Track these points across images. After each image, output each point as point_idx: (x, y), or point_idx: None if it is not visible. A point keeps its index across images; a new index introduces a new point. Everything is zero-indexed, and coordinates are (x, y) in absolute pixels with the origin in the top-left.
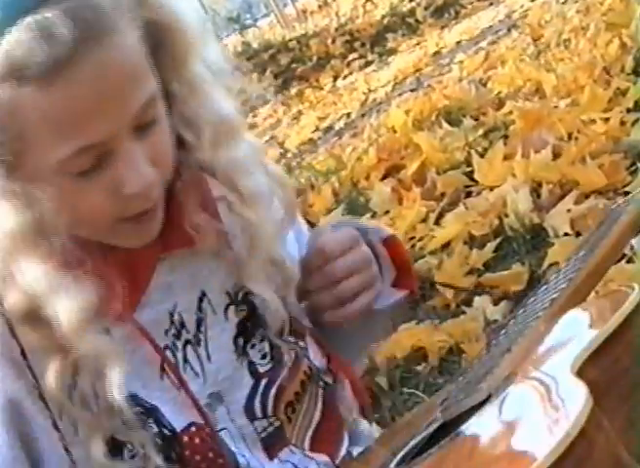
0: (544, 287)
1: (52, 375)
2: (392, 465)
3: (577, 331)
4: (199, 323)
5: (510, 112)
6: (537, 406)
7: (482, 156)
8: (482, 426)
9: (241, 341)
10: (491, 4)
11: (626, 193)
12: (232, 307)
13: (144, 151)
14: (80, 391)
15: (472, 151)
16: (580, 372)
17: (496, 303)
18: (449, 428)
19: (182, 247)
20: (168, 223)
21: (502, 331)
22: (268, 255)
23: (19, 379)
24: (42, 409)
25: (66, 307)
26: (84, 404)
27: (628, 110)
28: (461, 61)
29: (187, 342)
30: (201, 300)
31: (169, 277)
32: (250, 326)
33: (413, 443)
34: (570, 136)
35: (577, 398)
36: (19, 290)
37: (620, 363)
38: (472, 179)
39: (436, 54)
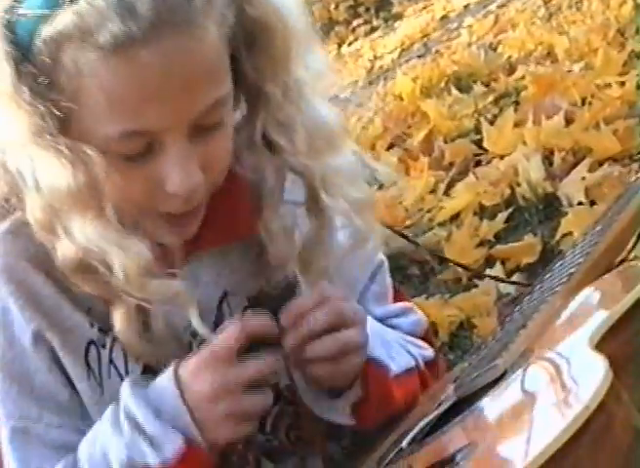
0: (560, 262)
1: (120, 319)
2: (404, 443)
3: (589, 310)
4: (216, 323)
5: (522, 77)
6: (547, 386)
7: (492, 123)
8: (498, 402)
9: None
10: None
11: None
12: (249, 311)
13: (198, 153)
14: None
15: (482, 118)
16: (599, 346)
17: (509, 275)
18: (462, 406)
19: (215, 245)
20: (205, 220)
21: (517, 307)
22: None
23: (34, 309)
24: (65, 341)
25: (125, 261)
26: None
27: None
28: (470, 26)
29: (202, 342)
30: (221, 301)
31: (196, 272)
32: None
33: (425, 421)
34: (583, 101)
35: (596, 371)
36: (71, 242)
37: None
38: (482, 148)
39: (444, 18)
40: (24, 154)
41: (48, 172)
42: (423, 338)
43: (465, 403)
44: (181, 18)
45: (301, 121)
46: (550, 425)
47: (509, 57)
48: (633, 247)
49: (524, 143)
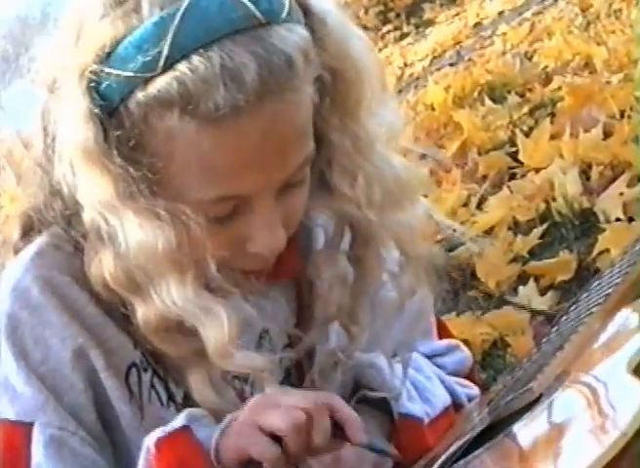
0: (598, 281)
1: (197, 381)
2: (435, 466)
3: (627, 334)
4: None
5: (558, 88)
6: (584, 411)
7: (527, 135)
8: (532, 428)
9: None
10: None
11: None
12: (288, 350)
13: (280, 211)
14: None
15: (517, 130)
16: (638, 371)
17: (542, 293)
18: (496, 429)
19: (263, 281)
20: None
21: (554, 328)
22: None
23: (77, 326)
24: (109, 362)
25: (213, 328)
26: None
27: None
28: (505, 33)
29: (244, 380)
30: (262, 337)
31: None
32: (297, 374)
33: (458, 444)
34: (622, 113)
35: (634, 396)
36: (158, 303)
37: None
38: (517, 160)
39: (477, 25)
40: (112, 214)
41: (140, 234)
42: (468, 377)
43: (499, 426)
44: (283, 84)
45: (369, 172)
46: (586, 452)
47: (545, 66)
48: None
49: (560, 156)
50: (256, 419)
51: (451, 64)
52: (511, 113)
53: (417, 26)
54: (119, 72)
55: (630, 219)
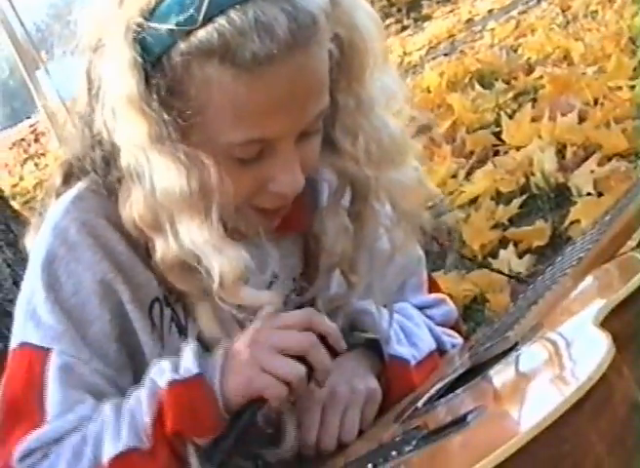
0: (571, 247)
1: (205, 316)
2: (420, 403)
3: (591, 295)
4: None
5: (540, 77)
6: (546, 363)
7: (511, 117)
8: (505, 374)
9: None
10: None
11: None
12: (293, 295)
13: (302, 153)
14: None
15: (502, 113)
16: (603, 325)
17: (520, 256)
18: (475, 372)
19: (274, 234)
20: None
21: (530, 286)
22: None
23: (108, 263)
24: (135, 296)
25: (224, 267)
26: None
27: None
28: (493, 29)
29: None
30: (271, 282)
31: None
32: None
33: (441, 384)
34: (595, 101)
35: (600, 346)
36: (175, 242)
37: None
38: (500, 139)
39: (469, 21)
40: (142, 155)
41: (164, 175)
42: (453, 327)
43: (478, 370)
44: (308, 36)
45: (369, 132)
46: (547, 399)
47: (529, 58)
48: None
49: (539, 137)
50: (262, 357)
51: (445, 54)
52: (497, 98)
53: (415, 20)
54: (162, 26)
55: (599, 194)
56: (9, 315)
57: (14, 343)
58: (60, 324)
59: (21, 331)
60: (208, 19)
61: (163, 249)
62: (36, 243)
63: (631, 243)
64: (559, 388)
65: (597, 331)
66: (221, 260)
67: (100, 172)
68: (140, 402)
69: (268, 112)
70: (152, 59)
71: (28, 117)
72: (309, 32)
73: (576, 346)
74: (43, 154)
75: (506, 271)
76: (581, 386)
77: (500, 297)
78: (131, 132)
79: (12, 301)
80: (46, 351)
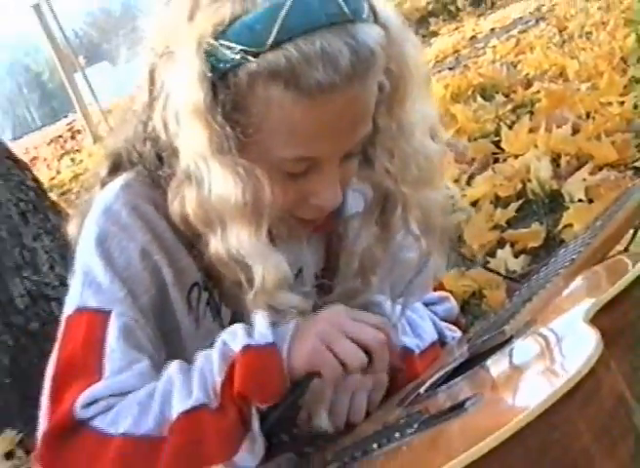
0: (564, 249)
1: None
2: (422, 389)
3: (580, 295)
4: None
5: (537, 92)
6: (537, 356)
7: (510, 128)
8: (501, 364)
9: None
10: None
11: (635, 168)
12: (315, 290)
13: (342, 173)
14: None
15: (501, 123)
16: (593, 322)
17: (516, 256)
18: (473, 362)
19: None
20: None
21: (525, 284)
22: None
23: (156, 245)
24: (178, 278)
25: (267, 275)
26: None
27: None
28: (495, 46)
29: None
30: (297, 275)
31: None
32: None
33: (442, 372)
34: (588, 115)
35: (589, 341)
36: (223, 244)
37: (628, 316)
38: (500, 148)
39: (473, 38)
40: (202, 163)
41: (221, 184)
42: (454, 323)
43: (476, 360)
44: (367, 70)
45: (408, 154)
46: (538, 390)
47: (527, 74)
48: (630, 243)
49: (536, 147)
50: (333, 336)
51: (450, 68)
52: (497, 110)
53: (423, 36)
54: (233, 45)
55: (590, 201)
56: (45, 297)
57: (68, 311)
58: (119, 290)
59: (77, 299)
60: (276, 43)
61: (214, 245)
62: (87, 226)
63: (619, 247)
64: (550, 380)
65: (587, 328)
66: (265, 267)
67: (149, 165)
68: (212, 362)
69: (319, 134)
70: (219, 75)
71: (65, 116)
72: (368, 65)
73: (566, 341)
74: (78, 150)
75: (503, 269)
76: (571, 378)
77: (497, 294)
78: (194, 140)
79: (48, 285)
80: (105, 313)
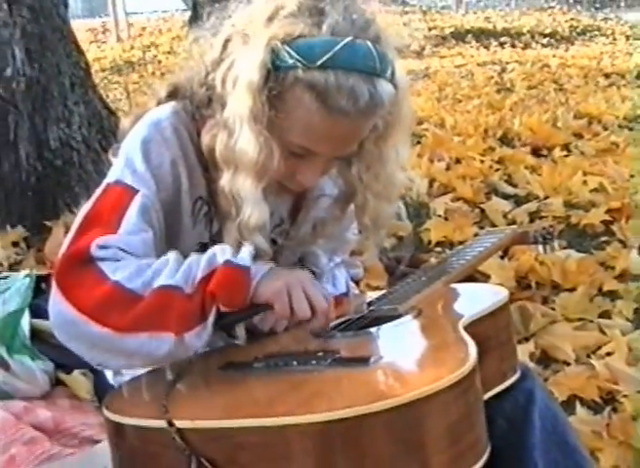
0: (463, 247)
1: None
2: (334, 328)
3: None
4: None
5: (426, 129)
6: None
7: None
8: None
9: None
10: None
11: (481, 209)
12: (276, 229)
13: (325, 166)
14: None
15: None
16: (466, 329)
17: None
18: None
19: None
20: None
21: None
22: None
23: (183, 160)
24: (191, 188)
25: (251, 214)
26: None
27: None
28: None
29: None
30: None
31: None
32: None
33: (346, 318)
34: (458, 160)
35: (471, 346)
36: (230, 181)
37: (488, 331)
38: None
39: None
40: (238, 121)
41: (245, 143)
42: (357, 283)
43: (374, 321)
44: (375, 111)
45: (380, 174)
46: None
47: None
48: None
49: (420, 168)
50: (293, 288)
51: None
52: None
53: None
54: (293, 53)
55: (446, 219)
56: (70, 146)
57: (110, 179)
58: (149, 179)
59: (119, 173)
60: (323, 66)
61: (223, 181)
62: (138, 127)
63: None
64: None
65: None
66: (253, 210)
67: (196, 102)
68: (200, 263)
69: (323, 139)
70: (274, 68)
71: (100, 16)
72: (377, 109)
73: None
74: (104, 41)
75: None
76: (463, 371)
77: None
78: (240, 104)
79: (74, 138)
80: (135, 191)
